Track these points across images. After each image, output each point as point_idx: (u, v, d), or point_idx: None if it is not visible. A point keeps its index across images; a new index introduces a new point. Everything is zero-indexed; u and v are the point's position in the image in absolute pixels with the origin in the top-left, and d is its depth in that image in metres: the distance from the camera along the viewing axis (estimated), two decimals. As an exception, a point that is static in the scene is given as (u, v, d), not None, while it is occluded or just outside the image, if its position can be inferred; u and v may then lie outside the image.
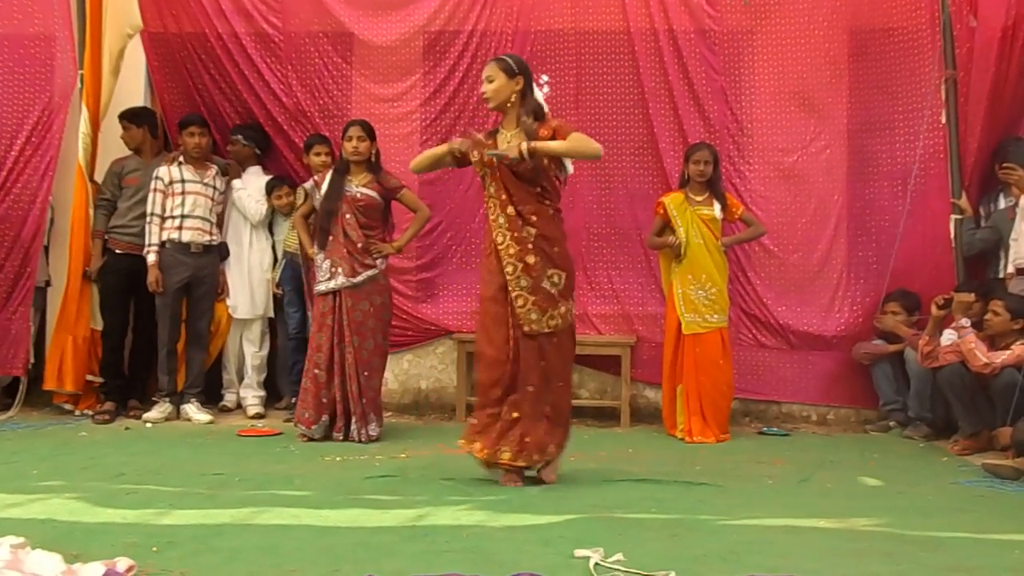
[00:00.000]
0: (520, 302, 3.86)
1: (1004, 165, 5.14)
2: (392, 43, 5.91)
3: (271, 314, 5.85)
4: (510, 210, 3.89)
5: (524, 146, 3.78)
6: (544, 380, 3.89)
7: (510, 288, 3.87)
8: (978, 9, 5.37)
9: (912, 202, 5.56)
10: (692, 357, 5.21)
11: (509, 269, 3.87)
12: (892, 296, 5.49)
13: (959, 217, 5.35)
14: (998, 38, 5.26)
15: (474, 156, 3.99)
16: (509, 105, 3.94)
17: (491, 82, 3.92)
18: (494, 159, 3.87)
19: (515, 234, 3.87)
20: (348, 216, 4.94)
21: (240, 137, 5.80)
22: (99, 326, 5.59)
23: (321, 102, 5.92)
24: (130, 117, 5.68)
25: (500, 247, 3.89)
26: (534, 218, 3.89)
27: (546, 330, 3.87)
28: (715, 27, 5.78)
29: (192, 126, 5.56)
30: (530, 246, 3.87)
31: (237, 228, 5.80)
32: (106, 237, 5.59)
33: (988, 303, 4.88)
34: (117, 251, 5.56)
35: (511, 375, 3.89)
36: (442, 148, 4.15)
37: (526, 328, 3.86)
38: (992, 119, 5.36)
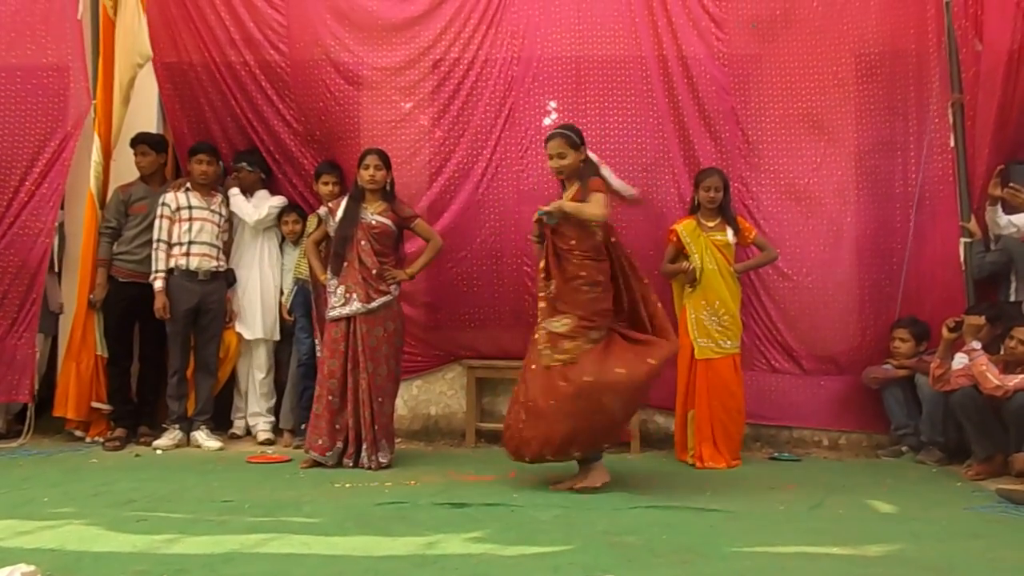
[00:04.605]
0: (540, 343, 4.35)
1: (1010, 185, 5.14)
2: (397, 65, 5.91)
3: (277, 338, 5.85)
4: (541, 263, 4.41)
5: (553, 205, 4.33)
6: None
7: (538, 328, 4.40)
8: (983, 33, 5.39)
9: (922, 225, 5.57)
10: (704, 383, 5.19)
11: (538, 312, 4.40)
12: (901, 323, 5.48)
13: (968, 240, 5.34)
14: (1004, 62, 5.29)
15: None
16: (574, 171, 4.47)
17: (563, 158, 4.41)
18: (544, 219, 4.34)
19: (543, 282, 4.41)
20: (363, 243, 4.96)
21: (245, 164, 5.82)
22: (105, 353, 5.60)
23: (328, 127, 5.93)
24: (151, 143, 5.72)
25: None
26: (553, 271, 4.37)
27: (554, 364, 4.29)
28: (724, 49, 5.80)
29: (201, 154, 5.60)
30: (552, 292, 4.37)
31: (248, 252, 5.82)
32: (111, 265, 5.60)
33: (1008, 328, 4.84)
34: (120, 279, 5.57)
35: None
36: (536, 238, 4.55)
37: (544, 362, 4.31)
38: (999, 142, 5.37)
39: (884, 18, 5.68)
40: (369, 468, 4.82)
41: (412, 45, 5.93)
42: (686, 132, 5.79)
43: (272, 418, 5.81)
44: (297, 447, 5.37)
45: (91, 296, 5.54)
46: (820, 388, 5.71)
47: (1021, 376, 4.65)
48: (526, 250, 5.55)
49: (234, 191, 5.76)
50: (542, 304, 4.41)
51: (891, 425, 5.51)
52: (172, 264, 5.50)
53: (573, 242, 4.37)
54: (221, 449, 5.45)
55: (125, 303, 5.57)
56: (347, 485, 4.41)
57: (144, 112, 5.96)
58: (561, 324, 4.31)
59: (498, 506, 3.93)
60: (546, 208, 4.37)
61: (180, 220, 5.53)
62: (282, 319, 5.80)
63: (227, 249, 5.76)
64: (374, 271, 4.94)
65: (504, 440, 4.54)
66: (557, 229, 4.39)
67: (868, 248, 5.70)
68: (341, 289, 4.94)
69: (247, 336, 5.78)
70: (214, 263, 5.60)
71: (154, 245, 5.50)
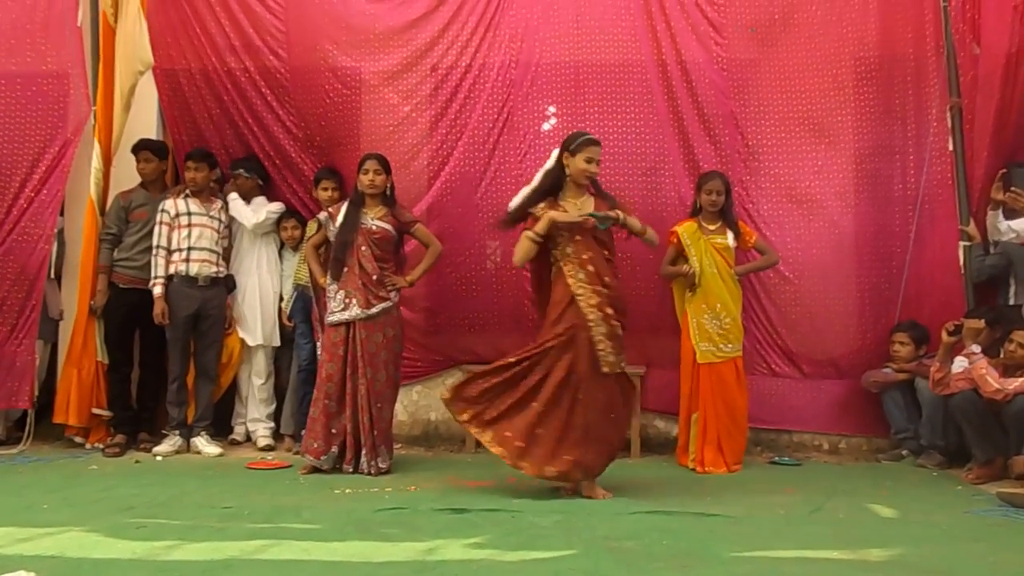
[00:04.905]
0: (601, 345, 4.25)
1: (1012, 190, 5.15)
2: (395, 69, 5.90)
3: (277, 344, 5.85)
4: (590, 268, 4.34)
5: (621, 214, 4.36)
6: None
7: (592, 333, 4.26)
8: (981, 37, 5.40)
9: (921, 229, 5.58)
10: (708, 386, 5.18)
11: (591, 317, 4.27)
12: (901, 327, 5.48)
13: (967, 244, 5.34)
14: (1002, 65, 5.29)
15: (551, 217, 4.35)
16: None
17: (598, 164, 4.42)
18: (595, 222, 4.30)
19: (595, 287, 4.31)
20: (363, 248, 4.97)
21: (242, 171, 5.81)
22: (106, 359, 5.59)
23: (328, 132, 5.93)
24: (154, 150, 5.73)
25: (580, 298, 4.30)
26: (607, 278, 4.36)
27: (618, 370, 4.32)
28: (723, 54, 5.80)
29: (190, 160, 5.61)
30: (606, 298, 4.31)
31: (247, 259, 5.82)
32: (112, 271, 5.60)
33: (1008, 332, 4.83)
34: (121, 285, 5.57)
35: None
36: (530, 238, 4.41)
37: (605, 368, 4.26)
38: (997, 146, 5.37)
39: (882, 22, 5.69)
40: (369, 474, 4.82)
41: (410, 48, 5.92)
42: (686, 137, 5.79)
43: (272, 424, 5.81)
44: (297, 453, 5.37)
45: (92, 302, 5.54)
46: (820, 392, 5.71)
47: (1021, 379, 4.65)
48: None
49: (233, 196, 5.77)
50: (609, 309, 4.31)
51: (891, 429, 5.51)
52: (172, 270, 5.50)
53: (606, 252, 4.44)
54: (221, 455, 5.44)
55: (125, 309, 5.57)
56: (347, 491, 4.41)
57: (144, 118, 5.96)
58: (619, 330, 4.36)
59: (498, 512, 3.93)
60: (611, 213, 4.38)
61: (179, 226, 5.53)
62: (282, 325, 5.80)
63: (227, 255, 5.76)
64: (374, 277, 4.95)
65: (538, 455, 4.25)
66: (599, 236, 4.41)
67: (868, 252, 5.70)
68: (341, 294, 4.94)
69: (249, 342, 5.78)
70: (214, 269, 5.60)
71: (153, 251, 5.50)
